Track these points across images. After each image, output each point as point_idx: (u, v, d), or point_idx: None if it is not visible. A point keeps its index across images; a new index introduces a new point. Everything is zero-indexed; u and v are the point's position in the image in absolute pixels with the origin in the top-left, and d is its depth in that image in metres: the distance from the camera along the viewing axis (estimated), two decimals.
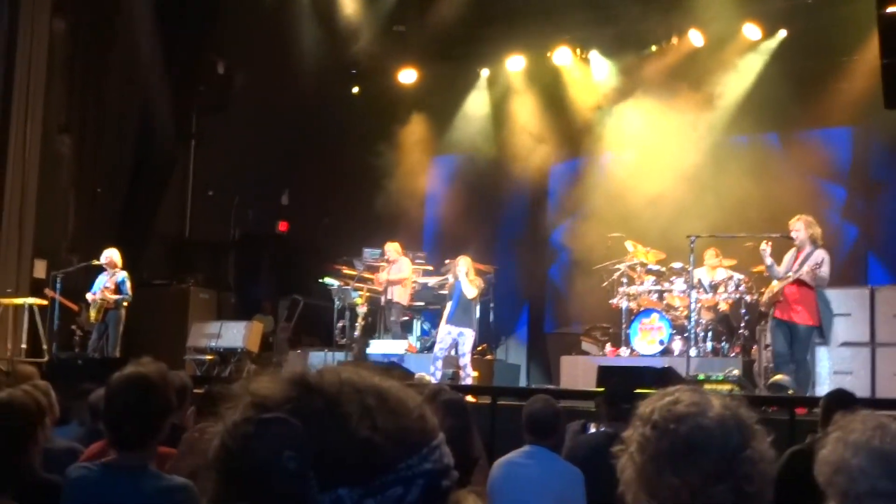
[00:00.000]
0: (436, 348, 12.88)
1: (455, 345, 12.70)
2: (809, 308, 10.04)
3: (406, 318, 15.02)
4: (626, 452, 1.91)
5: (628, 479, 1.89)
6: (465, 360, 12.59)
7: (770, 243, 10.41)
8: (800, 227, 10.17)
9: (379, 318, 15.44)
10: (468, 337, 12.63)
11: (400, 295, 14.39)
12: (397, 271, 14.40)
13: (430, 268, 15.52)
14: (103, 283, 13.38)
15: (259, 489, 1.01)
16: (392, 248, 14.49)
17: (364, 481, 1.01)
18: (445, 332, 12.72)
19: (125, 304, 13.37)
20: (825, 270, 10.03)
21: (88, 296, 13.46)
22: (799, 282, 10.04)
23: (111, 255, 13.49)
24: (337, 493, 1.00)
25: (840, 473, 2.02)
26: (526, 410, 5.46)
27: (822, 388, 9.77)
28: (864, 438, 2.03)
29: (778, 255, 10.72)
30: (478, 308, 13.25)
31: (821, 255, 10.12)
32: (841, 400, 5.92)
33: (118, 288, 13.30)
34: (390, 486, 1.02)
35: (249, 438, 1.03)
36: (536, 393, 6.40)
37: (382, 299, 14.59)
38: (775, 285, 10.25)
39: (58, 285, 13.74)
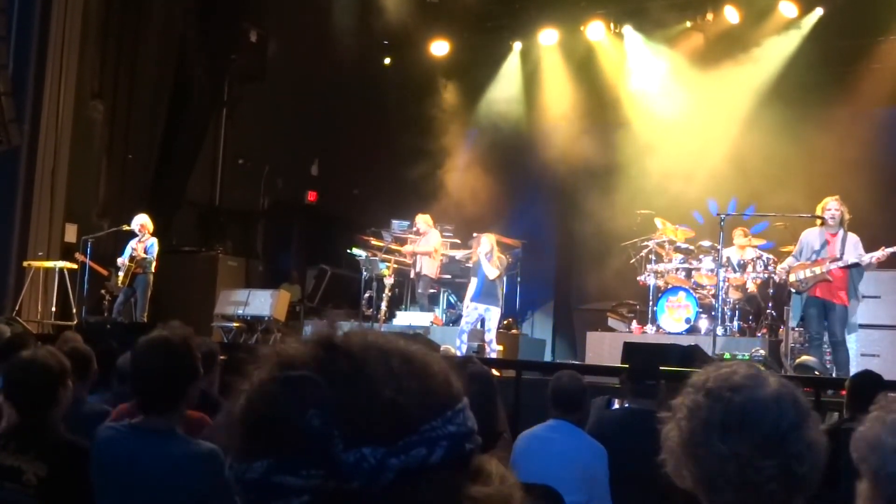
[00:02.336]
0: (462, 322, 12.94)
1: (481, 320, 12.77)
2: (846, 289, 9.97)
3: (433, 290, 15.06)
4: (672, 420, 1.86)
5: (672, 447, 1.85)
6: (491, 336, 12.66)
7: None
8: (837, 208, 10.06)
9: (406, 290, 15.50)
10: (494, 314, 12.71)
11: (429, 267, 14.43)
12: (426, 243, 14.43)
13: (458, 241, 15.53)
14: (131, 249, 13.48)
15: (284, 446, 1.02)
16: (423, 220, 14.53)
17: (388, 441, 1.02)
18: (472, 308, 12.79)
19: (152, 268, 13.47)
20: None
21: (119, 261, 13.58)
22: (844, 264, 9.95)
23: (143, 220, 13.60)
24: (361, 452, 1.01)
25: (874, 452, 2.00)
26: (552, 384, 5.47)
27: (849, 370, 9.72)
28: None
29: (797, 237, 10.68)
30: (504, 283, 13.26)
31: (858, 239, 10.05)
32: (867, 382, 5.90)
33: (145, 251, 13.43)
34: (414, 447, 1.03)
35: (275, 396, 1.05)
36: (562, 368, 6.41)
37: (412, 272, 14.65)
38: (809, 264, 10.12)
39: (88, 250, 13.86)
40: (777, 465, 1.77)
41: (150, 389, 3.50)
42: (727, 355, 10.52)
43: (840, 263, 9.90)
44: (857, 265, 9.91)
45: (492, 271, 12.61)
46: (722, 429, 1.79)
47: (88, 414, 4.74)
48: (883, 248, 9.94)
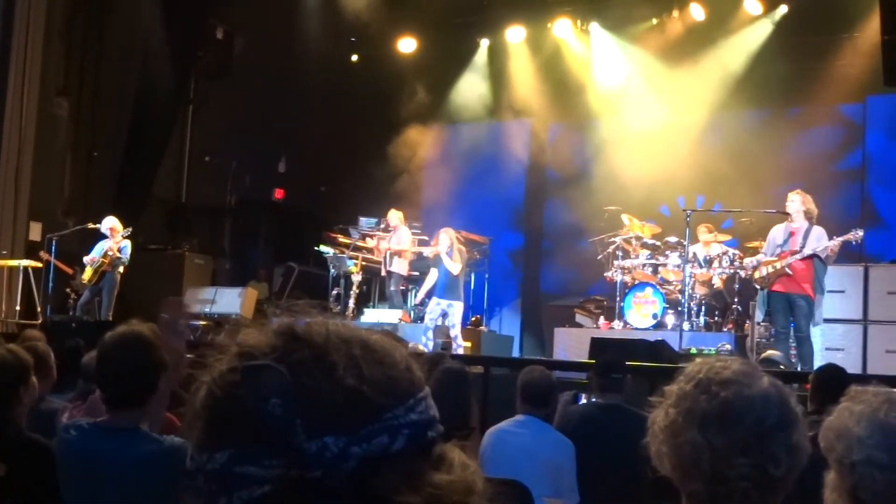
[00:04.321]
0: (426, 319, 12.99)
1: (444, 315, 12.80)
2: (810, 282, 10.04)
3: (403, 287, 15.07)
4: (661, 405, 1.89)
5: (656, 431, 1.87)
6: (456, 332, 12.73)
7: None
8: (797, 200, 10.16)
9: (374, 287, 15.48)
10: (457, 309, 12.76)
11: (399, 265, 14.44)
12: (397, 241, 14.44)
13: (426, 237, 15.54)
14: (105, 247, 13.39)
15: (245, 436, 1.02)
16: (395, 216, 14.54)
17: (350, 430, 1.02)
18: (434, 304, 12.85)
19: (122, 268, 13.39)
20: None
21: (86, 258, 13.48)
22: (806, 257, 10.00)
23: (113, 223, 13.51)
24: (323, 441, 1.01)
25: (840, 440, 2.02)
26: (522, 379, 5.48)
27: (813, 364, 9.80)
28: (869, 409, 2.04)
29: (763, 232, 10.76)
30: (465, 277, 13.24)
31: (823, 231, 10.10)
32: (831, 376, 5.94)
33: (119, 251, 13.36)
34: (376, 436, 1.03)
35: (236, 386, 1.04)
36: (529, 364, 6.43)
37: (382, 269, 14.63)
38: (773, 260, 10.20)
39: (53, 248, 13.75)
40: (751, 464, 1.77)
41: (118, 385, 3.45)
42: (693, 350, 10.59)
43: (798, 256, 10.00)
44: (816, 257, 9.99)
45: (454, 267, 12.67)
46: (702, 420, 1.80)
47: (49, 412, 4.70)
48: (835, 237, 10.03)
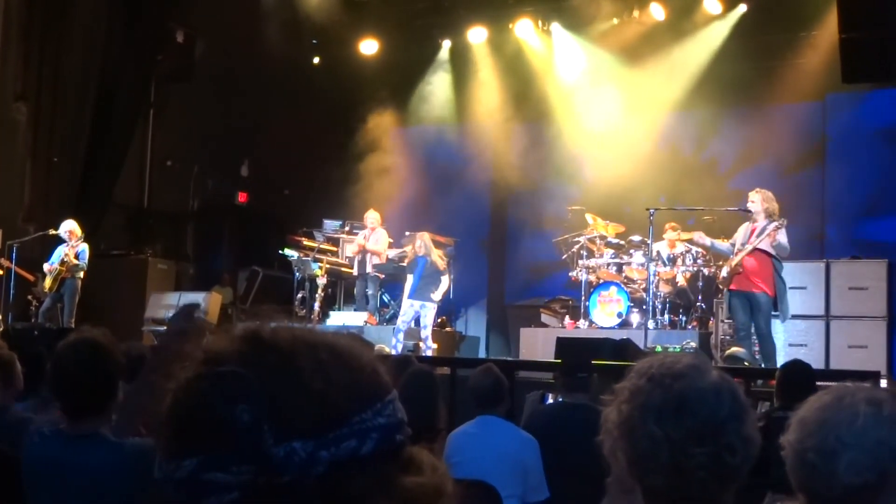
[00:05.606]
0: (399, 321, 12.97)
1: (417, 317, 12.80)
2: (767, 279, 10.07)
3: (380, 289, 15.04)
4: (614, 402, 1.90)
5: (610, 427, 1.88)
6: (427, 333, 12.72)
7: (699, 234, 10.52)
8: (756, 199, 10.23)
9: (339, 290, 15.43)
10: (430, 310, 12.75)
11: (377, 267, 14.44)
12: (375, 242, 14.42)
13: (391, 240, 15.52)
14: (62, 253, 13.29)
15: (213, 443, 1.01)
16: (374, 217, 14.53)
17: (318, 434, 1.02)
18: (408, 306, 12.83)
19: (81, 274, 13.29)
20: (783, 237, 10.02)
21: (46, 266, 13.37)
22: (757, 253, 10.06)
23: (72, 226, 13.41)
24: (291, 446, 1.01)
25: (791, 429, 2.06)
26: (469, 384, 5.55)
27: (778, 361, 9.88)
28: (819, 401, 2.07)
29: (725, 230, 10.82)
30: (443, 279, 13.17)
31: (777, 225, 10.12)
32: (797, 371, 6.00)
33: (77, 257, 13.26)
34: (344, 440, 1.03)
35: (203, 393, 1.03)
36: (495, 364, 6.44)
37: (356, 270, 14.59)
38: (733, 259, 10.29)
39: (13, 255, 13.61)
40: (708, 453, 1.80)
41: (74, 394, 3.41)
42: (658, 348, 10.65)
43: (744, 253, 10.07)
44: (770, 253, 10.04)
45: (441, 262, 12.78)
46: (659, 413, 1.82)
47: (13, 422, 4.65)
48: (769, 232, 10.05)
